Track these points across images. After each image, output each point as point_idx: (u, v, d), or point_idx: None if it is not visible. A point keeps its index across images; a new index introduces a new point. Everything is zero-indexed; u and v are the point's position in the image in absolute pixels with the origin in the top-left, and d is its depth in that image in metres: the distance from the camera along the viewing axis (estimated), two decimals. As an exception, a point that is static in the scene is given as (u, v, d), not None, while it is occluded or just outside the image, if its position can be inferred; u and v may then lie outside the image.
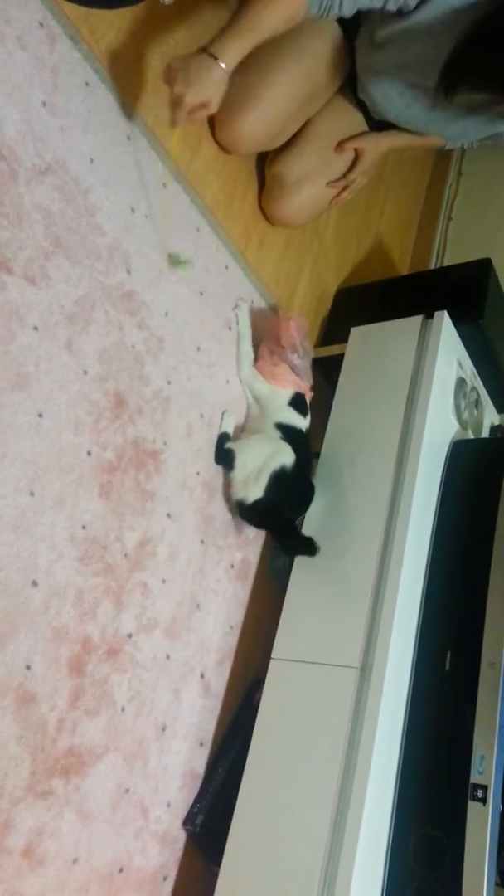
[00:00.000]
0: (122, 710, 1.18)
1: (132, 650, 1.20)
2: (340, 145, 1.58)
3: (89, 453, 1.15)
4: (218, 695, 1.38)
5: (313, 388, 1.54)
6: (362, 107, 1.59)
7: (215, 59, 1.15)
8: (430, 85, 1.36)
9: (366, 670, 1.26)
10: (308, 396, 1.52)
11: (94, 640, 1.13)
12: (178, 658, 1.29)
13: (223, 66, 1.15)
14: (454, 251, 2.37)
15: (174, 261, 1.37)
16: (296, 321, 1.50)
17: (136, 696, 1.20)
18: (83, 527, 1.12)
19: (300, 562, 1.43)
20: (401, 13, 1.29)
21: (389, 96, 1.46)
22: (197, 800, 1.29)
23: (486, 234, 2.32)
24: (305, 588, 1.40)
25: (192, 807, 1.29)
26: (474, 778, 1.18)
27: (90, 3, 1.10)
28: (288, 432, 1.46)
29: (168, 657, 1.27)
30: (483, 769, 1.18)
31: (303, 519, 1.49)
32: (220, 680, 1.38)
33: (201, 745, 1.32)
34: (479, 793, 1.17)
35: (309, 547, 1.39)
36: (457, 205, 2.44)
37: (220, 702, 1.38)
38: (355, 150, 1.60)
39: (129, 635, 1.20)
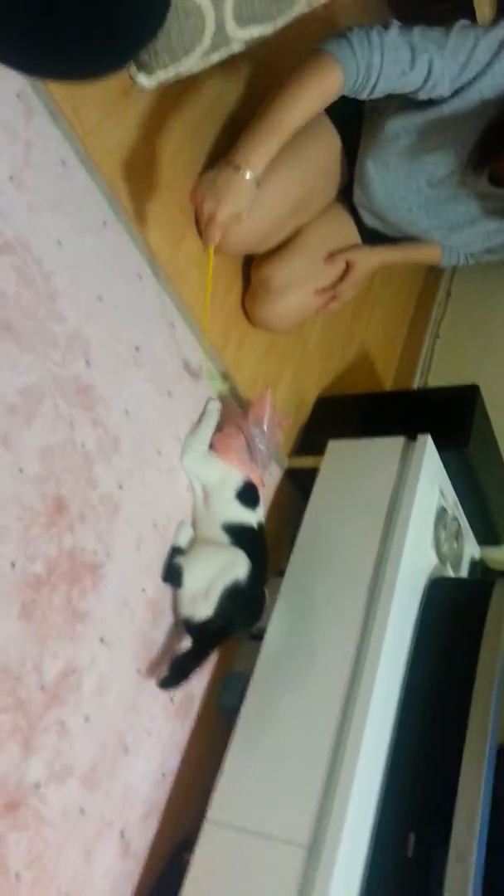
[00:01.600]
0: (17, 877, 0.97)
1: (38, 803, 1.00)
2: (332, 257, 1.53)
3: (13, 565, 0.99)
4: (139, 856, 1.16)
5: (263, 483, 1.41)
6: (357, 219, 1.55)
7: (240, 169, 1.13)
8: (442, 176, 1.31)
9: (315, 850, 1.06)
10: (260, 490, 1.38)
11: (-10, 793, 0.93)
12: (94, 812, 1.08)
13: (248, 176, 1.13)
14: (439, 370, 2.33)
15: (213, 376, 1.33)
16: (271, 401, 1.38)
17: (37, 860, 0.99)
18: (-6, 652, 0.95)
19: (252, 704, 1.26)
20: (430, 102, 1.24)
21: (392, 199, 1.42)
22: None
23: (472, 357, 2.28)
24: (254, 739, 1.22)
25: None
26: None
27: (64, 77, 1.03)
28: (237, 534, 1.32)
29: (82, 811, 1.07)
30: None
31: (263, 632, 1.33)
32: (142, 838, 1.17)
33: (111, 923, 1.10)
34: None
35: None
36: (444, 325, 2.42)
37: (142, 865, 1.17)
38: (346, 262, 1.55)
39: (37, 785, 1.00)
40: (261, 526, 1.38)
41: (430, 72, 1.15)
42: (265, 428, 1.36)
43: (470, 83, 1.19)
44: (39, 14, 0.70)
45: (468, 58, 1.16)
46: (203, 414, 1.40)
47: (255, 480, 1.37)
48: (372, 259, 1.56)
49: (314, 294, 1.55)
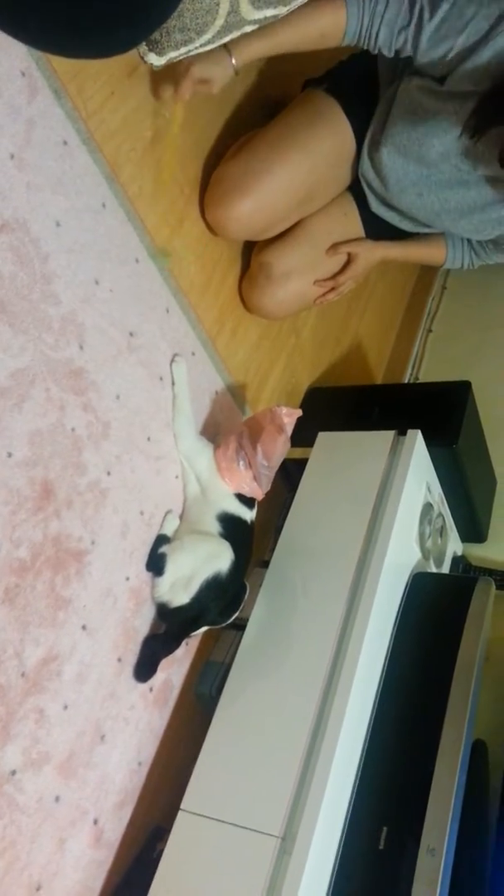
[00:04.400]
0: (-11, 863, 0.97)
1: (13, 790, 1.00)
2: (334, 247, 1.52)
3: (-2, 550, 0.98)
4: (111, 845, 1.17)
5: (270, 504, 1.40)
6: (363, 214, 1.54)
7: (228, 51, 1.21)
8: (453, 158, 1.31)
9: (287, 841, 1.08)
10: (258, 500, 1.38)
11: (-34, 779, 0.93)
12: (69, 800, 1.08)
13: (234, 60, 1.22)
14: (430, 364, 2.33)
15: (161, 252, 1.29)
16: (286, 421, 1.33)
17: (10, 848, 0.99)
18: (-25, 637, 0.95)
19: (230, 694, 1.26)
20: (439, 82, 1.26)
21: (402, 184, 1.40)
22: None
23: (464, 352, 2.28)
24: (230, 729, 1.22)
25: None
26: None
27: (75, 53, 1.00)
28: (230, 525, 1.31)
29: (57, 799, 1.07)
30: None
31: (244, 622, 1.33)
32: (116, 827, 1.18)
33: (82, 908, 1.11)
34: None
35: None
36: (438, 318, 2.41)
37: (114, 854, 1.17)
38: (349, 254, 1.53)
39: (13, 772, 1.00)
40: (252, 524, 1.37)
41: (420, 10, 1.21)
42: (274, 463, 1.34)
43: (470, 53, 1.19)
44: None
45: (463, 22, 1.18)
46: (172, 381, 1.33)
47: (257, 498, 1.36)
48: (374, 253, 1.55)
49: (313, 284, 1.54)
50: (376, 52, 1.29)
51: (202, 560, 1.25)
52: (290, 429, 1.35)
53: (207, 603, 1.25)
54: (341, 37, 1.27)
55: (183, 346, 1.37)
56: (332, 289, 1.56)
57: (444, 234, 1.57)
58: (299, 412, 1.37)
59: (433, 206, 1.42)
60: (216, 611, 1.28)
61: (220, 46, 1.20)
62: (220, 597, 1.27)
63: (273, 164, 1.35)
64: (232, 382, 1.53)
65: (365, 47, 1.29)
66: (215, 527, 1.30)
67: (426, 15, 1.20)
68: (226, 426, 1.48)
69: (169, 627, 1.26)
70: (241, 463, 1.32)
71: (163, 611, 1.25)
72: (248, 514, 1.36)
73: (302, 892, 1.03)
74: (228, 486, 1.33)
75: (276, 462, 1.35)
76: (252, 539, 1.37)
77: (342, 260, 1.55)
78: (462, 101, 1.24)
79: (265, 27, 1.21)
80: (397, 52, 1.27)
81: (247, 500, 1.35)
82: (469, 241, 1.56)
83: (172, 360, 1.34)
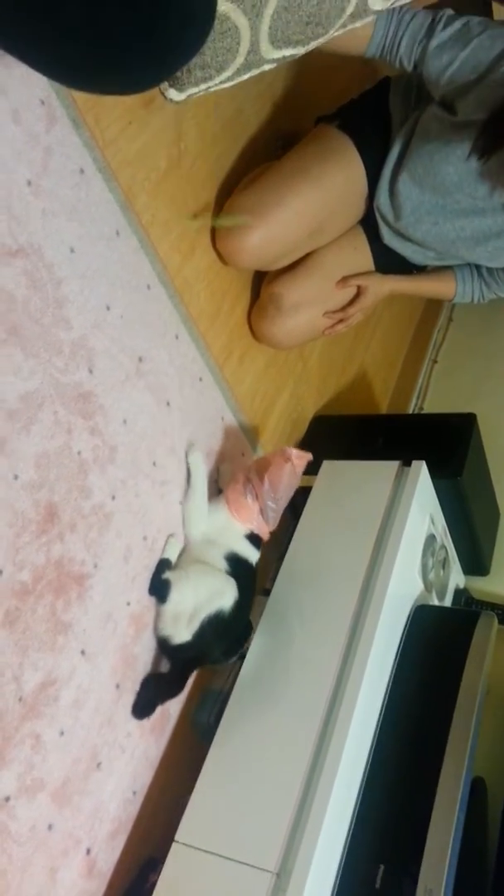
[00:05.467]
0: (-22, 893, 0.95)
1: (6, 818, 0.98)
2: (344, 280, 1.54)
3: (0, 572, 0.98)
4: (104, 875, 1.15)
5: (272, 534, 1.40)
6: (373, 248, 1.55)
7: None
8: (469, 187, 1.33)
9: (283, 877, 1.06)
10: (264, 540, 1.38)
11: (-40, 805, 0.92)
12: (62, 829, 1.07)
13: None
14: (435, 395, 2.34)
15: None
16: (295, 461, 1.36)
17: (0, 878, 0.98)
18: (-26, 661, 0.94)
19: (228, 724, 1.25)
20: (451, 111, 1.30)
21: (418, 213, 1.43)
22: None
23: (469, 384, 2.29)
24: (227, 760, 1.21)
25: None
26: None
27: (99, 90, 1.02)
28: (237, 566, 1.31)
29: (50, 827, 1.05)
30: None
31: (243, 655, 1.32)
32: (109, 857, 1.16)
33: (72, 941, 1.09)
34: None
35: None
36: (443, 350, 2.43)
37: (106, 884, 1.15)
38: (358, 287, 1.55)
39: (7, 799, 0.98)
40: (257, 566, 1.36)
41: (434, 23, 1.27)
42: (280, 496, 1.34)
43: (479, 79, 1.24)
44: (86, 26, 0.69)
45: (470, 37, 1.24)
46: (189, 473, 1.34)
47: (264, 535, 1.36)
48: (383, 286, 1.57)
49: (323, 315, 1.55)
50: (397, 63, 1.33)
51: (206, 595, 1.24)
52: (300, 471, 1.37)
53: (210, 641, 1.23)
54: (367, 42, 1.32)
55: (191, 372, 1.38)
56: (342, 320, 1.58)
57: (454, 269, 1.59)
58: (310, 456, 1.40)
59: (449, 235, 1.43)
60: (219, 650, 1.27)
61: None
62: (223, 636, 1.25)
63: (285, 197, 1.37)
64: (238, 409, 1.54)
65: (388, 59, 1.34)
66: (222, 565, 1.30)
67: (440, 26, 1.27)
68: (231, 453, 1.49)
69: (172, 666, 1.25)
70: (249, 497, 1.33)
71: (164, 646, 1.24)
72: (255, 556, 1.35)
73: (296, 931, 1.01)
74: (239, 522, 1.33)
75: (283, 495, 1.35)
76: (255, 580, 1.36)
77: (351, 293, 1.57)
78: (475, 130, 1.27)
79: None
80: (415, 66, 1.32)
81: (255, 542, 1.35)
82: (480, 275, 1.57)
83: (188, 451, 1.35)
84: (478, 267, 1.57)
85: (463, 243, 1.45)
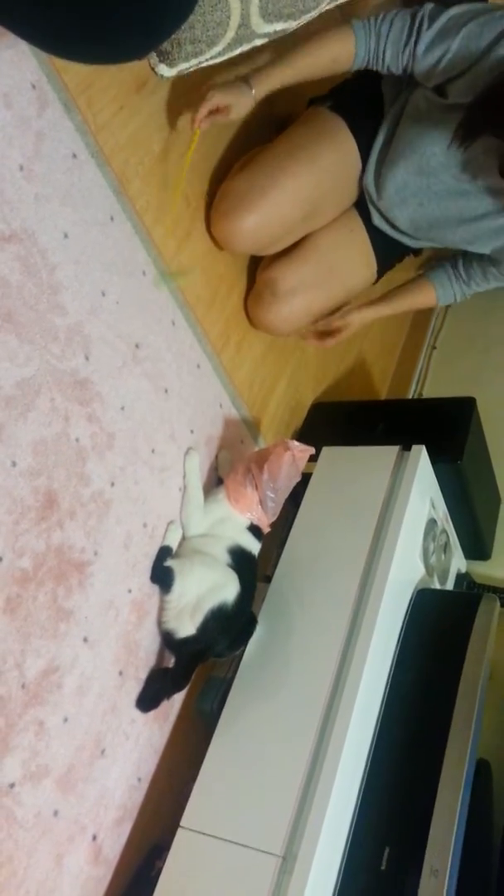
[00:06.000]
0: (-15, 879, 0.95)
1: (11, 804, 0.99)
2: (325, 322, 1.56)
3: (0, 559, 0.97)
4: (110, 862, 1.15)
5: (272, 526, 1.39)
6: (369, 229, 1.54)
7: (247, 81, 1.26)
8: (454, 169, 1.32)
9: (288, 860, 1.06)
10: (264, 532, 1.38)
11: (-36, 792, 0.92)
12: (67, 815, 1.07)
13: (252, 91, 1.26)
14: (434, 381, 2.33)
15: (162, 279, 1.29)
16: (296, 453, 1.35)
17: (7, 863, 0.98)
18: (-24, 648, 0.94)
19: (231, 710, 1.25)
20: (439, 92, 1.29)
21: (403, 194, 1.42)
22: None
23: (468, 370, 2.29)
24: (231, 746, 1.21)
25: None
26: None
27: (88, 59, 1.01)
28: (239, 558, 1.30)
29: (56, 813, 1.05)
30: None
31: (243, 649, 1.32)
32: (115, 844, 1.16)
33: (79, 927, 1.09)
34: None
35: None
36: (442, 336, 2.42)
37: (112, 871, 1.15)
38: (344, 324, 1.57)
39: (11, 785, 0.98)
40: (258, 558, 1.36)
41: (420, 20, 1.25)
42: (280, 486, 1.34)
43: (469, 65, 1.22)
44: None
45: (458, 27, 1.21)
46: (185, 477, 1.34)
47: (263, 526, 1.36)
48: (366, 316, 1.58)
49: (311, 326, 1.57)
50: (386, 72, 1.31)
51: (209, 586, 1.24)
52: (301, 464, 1.36)
53: (214, 634, 1.23)
54: (352, 60, 1.30)
55: (188, 359, 1.38)
56: (331, 335, 1.59)
57: (428, 276, 1.58)
58: (311, 450, 1.40)
59: (434, 214, 1.43)
60: (224, 643, 1.26)
61: (240, 78, 1.25)
62: (227, 628, 1.25)
63: (278, 179, 1.36)
64: (237, 396, 1.54)
65: (376, 69, 1.32)
66: (224, 557, 1.29)
67: (425, 25, 1.25)
68: (229, 440, 1.48)
69: (177, 660, 1.25)
70: (249, 486, 1.33)
71: (169, 640, 1.24)
72: (256, 548, 1.35)
73: (303, 913, 1.01)
74: (238, 511, 1.33)
75: (282, 485, 1.35)
76: (256, 572, 1.36)
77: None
78: (462, 114, 1.26)
79: (280, 57, 1.26)
80: (404, 69, 1.29)
81: (257, 534, 1.35)
82: (457, 276, 1.55)
83: (186, 453, 1.35)
84: (453, 266, 1.55)
85: (447, 224, 1.44)
